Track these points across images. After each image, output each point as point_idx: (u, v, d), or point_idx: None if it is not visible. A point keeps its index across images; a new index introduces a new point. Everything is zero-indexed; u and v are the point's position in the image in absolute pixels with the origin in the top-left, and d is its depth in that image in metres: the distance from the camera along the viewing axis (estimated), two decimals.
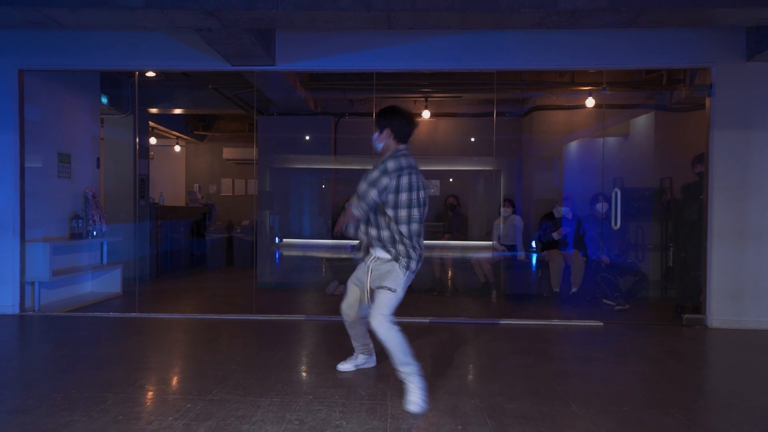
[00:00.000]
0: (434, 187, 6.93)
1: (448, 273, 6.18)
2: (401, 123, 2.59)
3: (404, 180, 2.48)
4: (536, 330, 4.11)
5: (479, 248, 6.23)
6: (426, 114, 6.30)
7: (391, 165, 2.49)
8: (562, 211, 5.82)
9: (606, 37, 4.17)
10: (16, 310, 4.43)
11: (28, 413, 2.28)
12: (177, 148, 9.11)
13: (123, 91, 6.48)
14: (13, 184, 4.43)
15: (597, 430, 2.17)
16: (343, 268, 6.02)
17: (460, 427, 2.18)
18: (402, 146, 2.60)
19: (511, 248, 5.92)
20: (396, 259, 2.50)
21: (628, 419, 2.29)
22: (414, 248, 2.51)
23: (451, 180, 7.25)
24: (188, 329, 3.99)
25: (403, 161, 2.52)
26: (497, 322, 4.34)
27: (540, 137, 6.64)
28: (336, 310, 4.54)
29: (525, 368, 3.06)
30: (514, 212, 5.95)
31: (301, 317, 4.41)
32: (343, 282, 5.89)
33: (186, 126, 8.77)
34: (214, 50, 4.05)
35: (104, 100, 6.04)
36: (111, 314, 4.51)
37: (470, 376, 2.90)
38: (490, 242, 6.12)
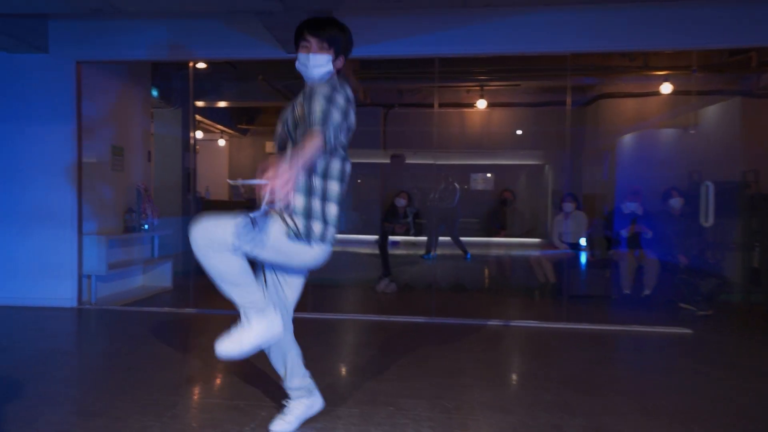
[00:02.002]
0: (487, 182, 6.61)
1: (503, 272, 5.86)
2: (349, 47, 1.86)
3: (352, 117, 1.80)
4: (617, 336, 3.76)
5: (537, 246, 5.89)
6: (482, 104, 5.99)
7: (347, 91, 1.79)
8: (630, 207, 5.40)
9: (695, 12, 3.74)
10: (75, 304, 4.42)
11: (99, 416, 2.15)
12: (221, 142, 9.10)
13: (173, 83, 6.45)
14: (72, 178, 4.41)
15: None
16: (394, 264, 5.80)
17: None
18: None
19: (574, 246, 5.53)
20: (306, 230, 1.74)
21: None
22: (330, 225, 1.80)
23: (504, 175, 6.92)
24: None
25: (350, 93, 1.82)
26: (568, 325, 4.01)
27: (605, 128, 6.21)
28: (390, 309, 4.22)
29: (622, 381, 2.75)
30: (577, 208, 5.57)
31: (355, 317, 4.21)
32: (394, 280, 5.75)
33: (230, 120, 8.75)
34: (272, 36, 3.87)
35: (155, 92, 6.01)
36: (165, 309, 4.43)
37: (564, 390, 2.61)
38: (547, 240, 5.78)
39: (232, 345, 1.72)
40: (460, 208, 6.41)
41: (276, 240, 1.72)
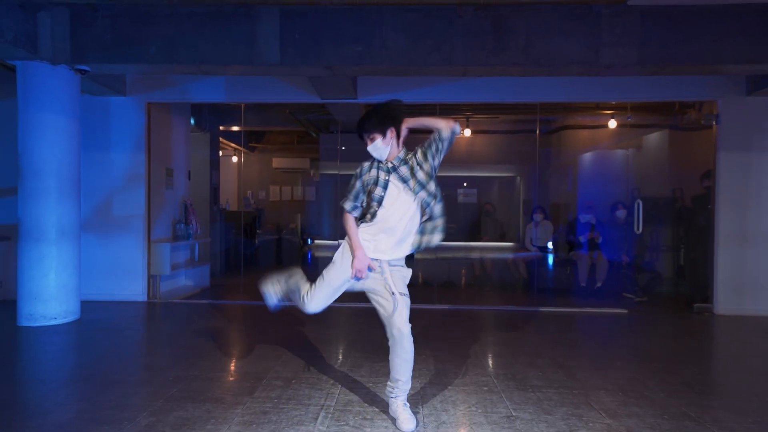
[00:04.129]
0: (471, 195, 7.89)
1: (486, 270, 7.12)
2: (393, 121, 2.35)
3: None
4: (573, 316, 5.05)
5: (514, 250, 7.19)
6: (467, 132, 7.26)
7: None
8: (586, 217, 6.76)
9: (632, 78, 5.10)
10: (145, 298, 5.42)
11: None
12: (234, 159, 10.10)
13: (203, 114, 7.48)
14: (142, 196, 5.42)
15: (637, 378, 3.12)
16: None
17: (540, 372, 3.14)
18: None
19: (543, 249, 6.85)
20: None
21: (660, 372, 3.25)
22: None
23: (486, 187, 8.22)
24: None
25: None
26: (538, 309, 5.28)
27: (566, 151, 7.60)
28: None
29: (575, 341, 4.01)
30: (545, 218, 6.89)
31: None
32: None
33: (242, 139, 9.77)
34: (313, 87, 5.03)
35: (192, 121, 7.03)
36: (221, 302, 5.49)
37: (540, 347, 3.84)
38: (521, 244, 7.08)
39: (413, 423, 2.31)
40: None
41: None
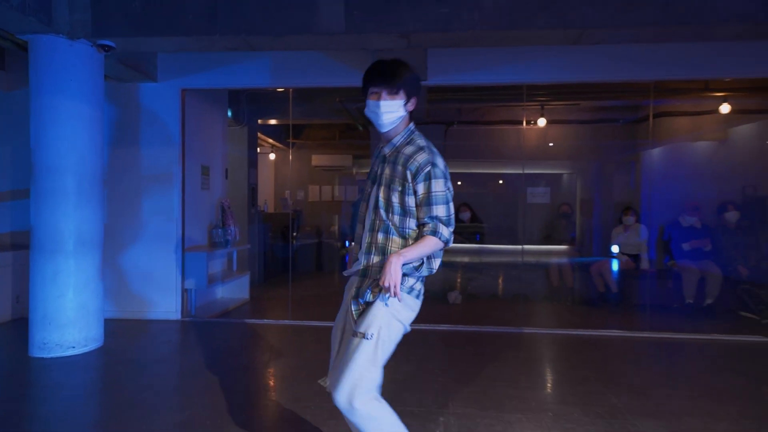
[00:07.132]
0: (544, 195, 6.90)
1: (566, 282, 6.12)
2: (419, 91, 1.78)
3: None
4: (703, 345, 4.03)
5: (569, 254, 6.17)
6: (542, 122, 6.29)
7: (440, 162, 1.73)
8: (689, 220, 5.68)
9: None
10: (179, 316, 4.68)
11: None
12: (272, 156, 9.39)
13: (240, 105, 6.74)
14: (176, 199, 4.68)
15: None
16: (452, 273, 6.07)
17: None
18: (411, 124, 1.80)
19: (635, 258, 5.81)
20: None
21: None
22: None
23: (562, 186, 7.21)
24: None
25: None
26: (651, 335, 4.28)
27: (662, 143, 6.50)
28: (459, 319, 4.42)
29: (720, 383, 3.03)
30: (638, 220, 5.85)
31: (441, 327, 4.46)
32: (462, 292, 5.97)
33: (281, 135, 9.03)
34: None
35: (229, 113, 6.29)
36: (265, 321, 4.69)
37: (688, 394, 2.89)
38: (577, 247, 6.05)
39: None
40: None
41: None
